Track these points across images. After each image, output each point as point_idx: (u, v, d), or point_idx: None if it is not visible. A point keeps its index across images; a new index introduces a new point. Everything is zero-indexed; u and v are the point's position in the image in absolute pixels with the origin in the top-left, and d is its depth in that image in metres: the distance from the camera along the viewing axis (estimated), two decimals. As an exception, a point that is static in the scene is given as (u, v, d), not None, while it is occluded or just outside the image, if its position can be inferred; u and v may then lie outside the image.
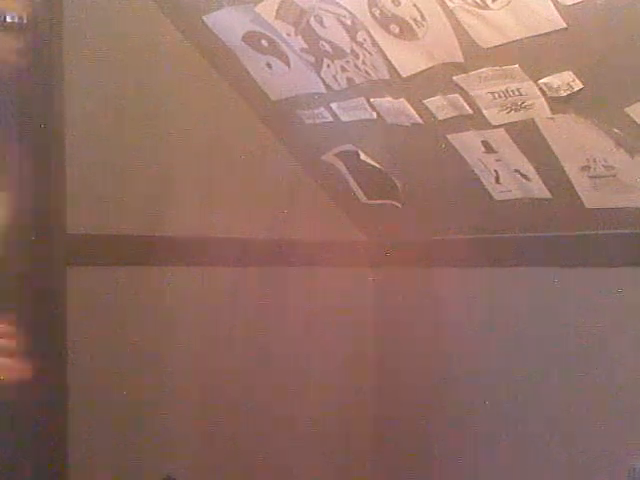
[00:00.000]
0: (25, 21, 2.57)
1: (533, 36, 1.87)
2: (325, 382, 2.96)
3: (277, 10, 2.28)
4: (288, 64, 2.45)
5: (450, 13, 1.94)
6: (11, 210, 2.61)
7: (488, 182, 2.39)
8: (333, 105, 2.52)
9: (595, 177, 2.10)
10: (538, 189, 2.27)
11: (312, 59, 2.38)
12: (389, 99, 2.34)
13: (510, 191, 2.36)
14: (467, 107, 2.18)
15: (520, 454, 2.44)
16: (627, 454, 2.10)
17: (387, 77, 2.26)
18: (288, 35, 2.33)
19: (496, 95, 2.08)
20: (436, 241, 2.66)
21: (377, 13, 2.07)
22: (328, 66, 2.37)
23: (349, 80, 2.38)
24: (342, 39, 2.24)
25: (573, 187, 2.18)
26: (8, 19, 2.58)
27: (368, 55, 2.22)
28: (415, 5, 1.98)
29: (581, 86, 1.92)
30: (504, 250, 2.47)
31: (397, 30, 2.08)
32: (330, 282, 2.98)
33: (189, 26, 2.71)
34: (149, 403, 2.74)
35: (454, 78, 2.12)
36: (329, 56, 2.33)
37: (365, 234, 3.00)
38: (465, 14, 1.92)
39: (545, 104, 2.02)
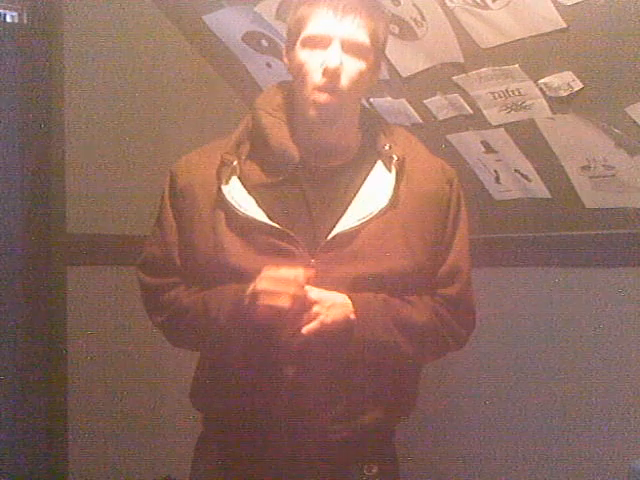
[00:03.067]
0: (25, 21, 2.58)
1: (533, 36, 1.87)
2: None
3: (277, 10, 2.28)
4: (288, 64, 2.45)
5: (450, 13, 1.94)
6: (11, 210, 2.61)
7: (488, 182, 2.39)
8: (333, 105, 2.52)
9: (595, 177, 2.10)
10: (538, 189, 2.27)
11: (312, 59, 2.38)
12: (389, 99, 2.34)
13: (510, 191, 2.36)
14: (467, 107, 2.18)
15: (520, 453, 2.44)
16: (627, 454, 2.10)
17: (387, 77, 2.26)
18: (288, 35, 2.33)
19: (496, 95, 2.08)
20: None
21: (377, 13, 2.07)
22: (328, 66, 2.37)
23: (349, 80, 2.37)
24: (342, 39, 2.24)
25: (573, 187, 2.18)
26: (8, 19, 2.58)
27: (368, 55, 2.22)
28: (415, 5, 1.98)
29: (581, 86, 1.92)
30: (504, 250, 2.47)
31: (397, 30, 2.08)
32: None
33: (189, 26, 2.71)
34: (149, 403, 2.74)
35: (454, 78, 2.12)
36: (329, 56, 2.33)
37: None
38: (465, 14, 1.92)
39: (545, 104, 2.02)
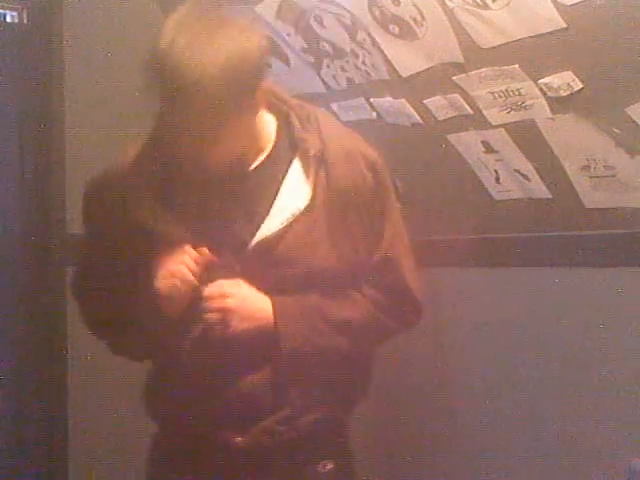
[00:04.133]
0: (25, 21, 2.58)
1: (533, 36, 1.87)
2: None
3: (277, 10, 2.28)
4: (288, 64, 2.45)
5: (450, 13, 1.94)
6: (12, 210, 2.61)
7: (488, 182, 2.39)
8: (333, 105, 2.52)
9: (595, 177, 2.10)
10: (538, 189, 2.27)
11: (312, 59, 2.38)
12: (389, 99, 2.34)
13: (510, 191, 2.36)
14: (467, 107, 2.18)
15: (518, 453, 2.44)
16: (626, 453, 2.10)
17: (387, 77, 2.26)
18: (288, 35, 2.33)
19: (496, 95, 2.08)
20: (436, 241, 2.66)
21: (377, 13, 2.07)
22: (328, 66, 2.37)
23: (349, 80, 2.38)
24: (342, 39, 2.24)
25: (573, 187, 2.17)
26: (8, 19, 2.59)
27: (368, 55, 2.22)
28: (415, 5, 1.98)
29: (581, 86, 1.92)
30: (504, 250, 2.46)
31: (397, 30, 2.08)
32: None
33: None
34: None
35: (454, 78, 2.11)
36: (329, 56, 2.33)
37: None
38: (465, 14, 1.92)
39: (545, 104, 2.02)
